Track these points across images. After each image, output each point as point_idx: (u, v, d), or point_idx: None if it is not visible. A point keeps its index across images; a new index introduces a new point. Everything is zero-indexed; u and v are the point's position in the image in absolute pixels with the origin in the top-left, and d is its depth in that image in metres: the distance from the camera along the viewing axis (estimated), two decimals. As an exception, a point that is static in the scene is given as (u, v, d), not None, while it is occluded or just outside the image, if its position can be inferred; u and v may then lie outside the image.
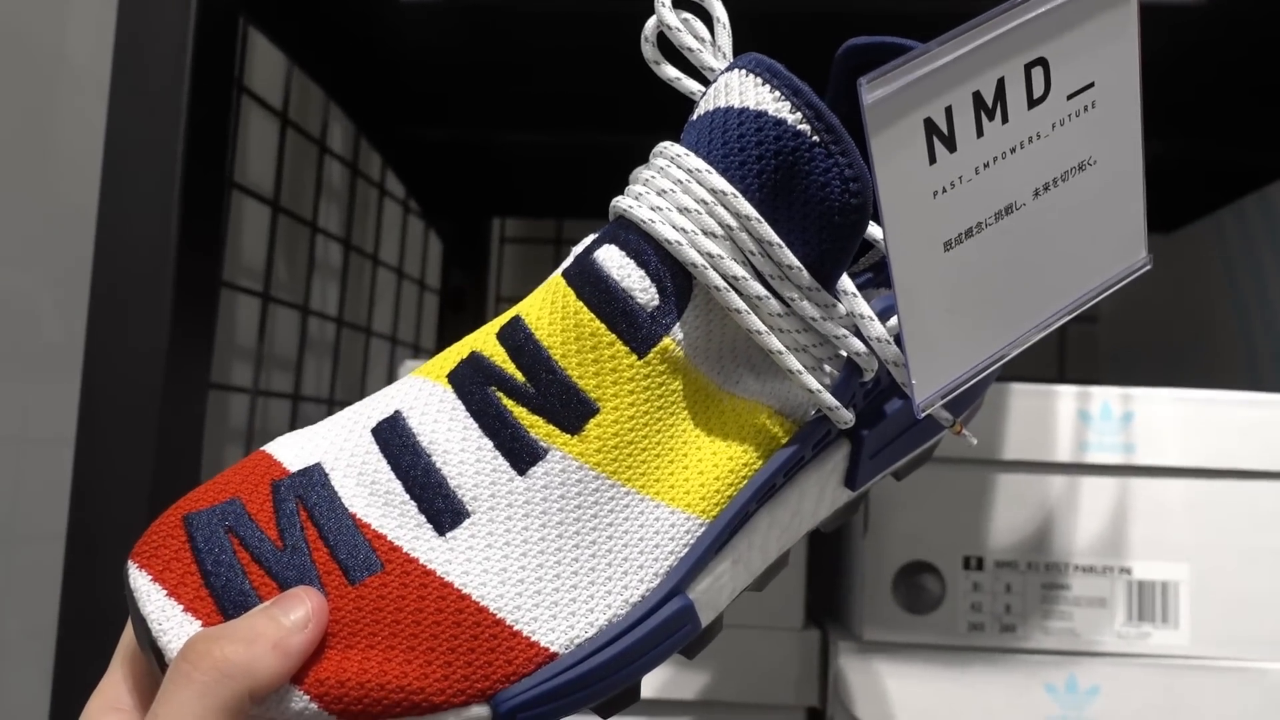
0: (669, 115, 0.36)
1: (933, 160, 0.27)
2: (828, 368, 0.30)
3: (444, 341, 0.89)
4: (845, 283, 0.30)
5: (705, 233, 0.29)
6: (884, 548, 0.48)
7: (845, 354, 0.30)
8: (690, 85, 0.32)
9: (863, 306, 0.30)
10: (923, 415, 0.30)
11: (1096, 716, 0.46)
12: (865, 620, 0.48)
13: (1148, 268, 0.33)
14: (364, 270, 0.79)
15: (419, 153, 0.78)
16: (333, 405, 0.72)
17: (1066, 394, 0.48)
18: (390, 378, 0.81)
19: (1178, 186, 0.73)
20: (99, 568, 0.44)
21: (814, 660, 0.50)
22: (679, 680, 0.49)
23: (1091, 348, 0.89)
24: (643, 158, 0.31)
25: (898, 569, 0.48)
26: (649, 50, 0.32)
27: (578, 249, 0.31)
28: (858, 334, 0.30)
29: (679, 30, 0.31)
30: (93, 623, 0.44)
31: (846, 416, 0.30)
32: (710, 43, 0.32)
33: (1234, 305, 0.67)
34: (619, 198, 0.30)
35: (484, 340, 0.30)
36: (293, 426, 0.67)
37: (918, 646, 0.48)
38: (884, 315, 0.30)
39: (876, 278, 0.35)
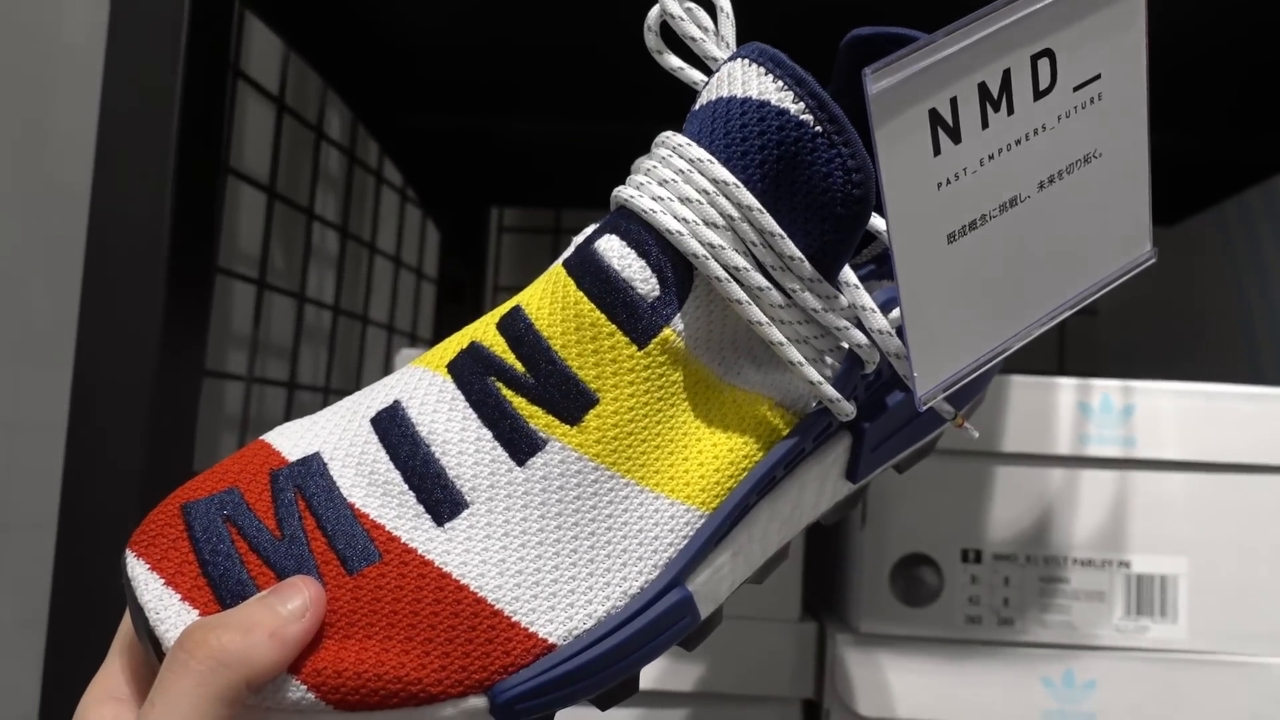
0: (670, 104, 0.36)
1: (937, 152, 0.27)
2: (829, 360, 0.30)
3: (441, 330, 0.89)
4: (847, 274, 0.30)
5: (707, 223, 0.28)
6: (882, 540, 0.48)
7: (847, 346, 0.30)
8: (693, 75, 0.32)
9: (865, 298, 0.29)
10: (924, 408, 0.30)
11: (1094, 710, 0.46)
12: (862, 612, 0.48)
13: (1152, 261, 0.33)
14: (361, 258, 0.79)
15: (417, 141, 0.78)
16: (328, 393, 0.72)
17: (1066, 386, 0.48)
18: (386, 366, 0.81)
19: (1181, 179, 0.73)
20: (91, 556, 0.44)
21: (810, 652, 0.50)
22: (675, 672, 0.49)
23: (1092, 340, 0.88)
24: (643, 147, 0.31)
25: (895, 561, 0.48)
26: (652, 39, 0.32)
27: (578, 239, 0.31)
28: (859, 326, 0.30)
29: (682, 19, 0.31)
30: (84, 611, 0.44)
31: (848, 409, 0.30)
32: (713, 32, 0.31)
33: (1236, 298, 0.67)
34: (620, 188, 0.30)
35: (484, 330, 0.30)
36: (288, 415, 0.67)
37: (915, 639, 0.48)
38: (886, 307, 0.30)
39: (879, 270, 0.35)
